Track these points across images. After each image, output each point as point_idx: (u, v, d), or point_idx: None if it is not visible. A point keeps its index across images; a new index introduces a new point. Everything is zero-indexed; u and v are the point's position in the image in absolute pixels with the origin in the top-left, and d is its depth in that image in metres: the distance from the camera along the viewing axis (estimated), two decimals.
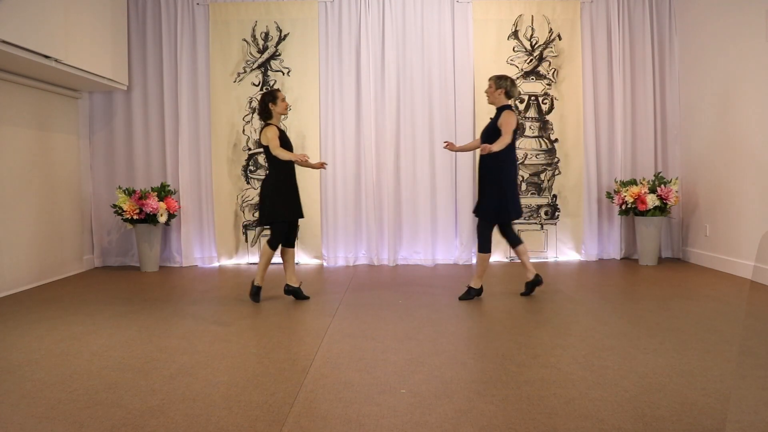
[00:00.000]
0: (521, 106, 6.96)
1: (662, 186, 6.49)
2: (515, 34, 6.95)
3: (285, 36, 6.93)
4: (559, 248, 7.02)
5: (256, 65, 6.93)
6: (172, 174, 6.93)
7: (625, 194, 6.53)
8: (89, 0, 5.88)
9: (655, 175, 6.67)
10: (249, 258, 6.99)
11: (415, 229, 6.95)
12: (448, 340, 3.76)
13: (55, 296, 5.33)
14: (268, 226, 4.90)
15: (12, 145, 5.58)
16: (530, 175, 6.99)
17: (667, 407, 2.63)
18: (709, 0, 6.28)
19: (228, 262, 7.00)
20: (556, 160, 6.98)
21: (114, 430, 2.49)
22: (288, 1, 6.91)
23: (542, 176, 6.99)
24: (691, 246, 6.78)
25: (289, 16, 6.92)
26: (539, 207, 7.01)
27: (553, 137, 6.98)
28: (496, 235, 6.80)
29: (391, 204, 6.90)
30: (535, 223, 7.01)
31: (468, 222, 6.81)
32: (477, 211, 4.89)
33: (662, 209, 6.50)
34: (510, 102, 4.92)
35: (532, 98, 6.97)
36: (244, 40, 6.92)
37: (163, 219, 6.54)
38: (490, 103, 4.96)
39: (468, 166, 6.86)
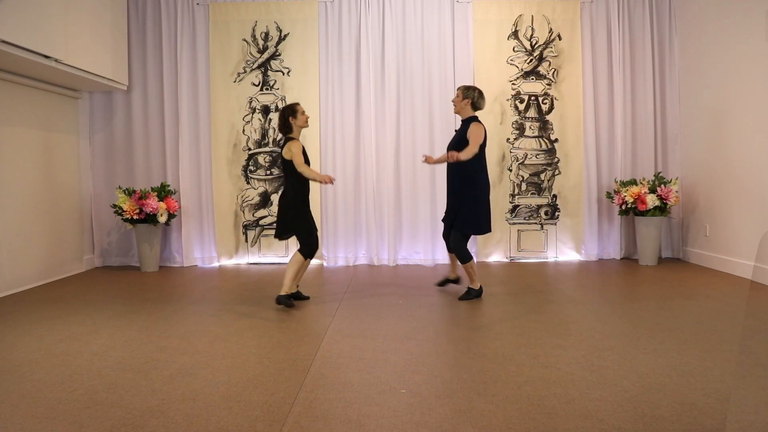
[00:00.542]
0: (521, 106, 6.97)
1: (662, 186, 6.49)
2: (515, 34, 6.95)
3: (285, 36, 6.93)
4: (559, 248, 7.02)
5: (256, 65, 6.93)
6: (172, 174, 6.93)
7: (625, 194, 6.53)
8: (89, 0, 5.88)
9: (655, 175, 6.67)
10: (249, 258, 6.99)
11: (415, 229, 6.95)
12: (448, 340, 3.76)
13: (55, 296, 5.33)
14: (279, 239, 4.87)
15: (12, 145, 5.58)
16: (530, 175, 6.99)
17: (667, 407, 2.63)
18: (709, 0, 6.28)
19: (228, 262, 7.00)
20: (556, 160, 6.98)
21: (114, 430, 2.49)
22: (288, 1, 6.91)
23: (542, 176, 6.99)
24: (691, 246, 6.78)
25: (289, 16, 6.92)
26: (539, 207, 7.01)
27: (553, 137, 6.98)
28: (497, 235, 6.82)
29: (391, 204, 6.90)
30: (535, 223, 7.01)
31: None
32: (454, 224, 4.81)
33: (662, 209, 6.50)
34: (476, 114, 4.88)
35: (532, 98, 6.97)
36: (244, 40, 6.92)
37: (163, 219, 6.54)
38: (456, 112, 4.93)
39: None
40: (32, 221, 5.84)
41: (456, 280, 5.36)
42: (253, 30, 6.93)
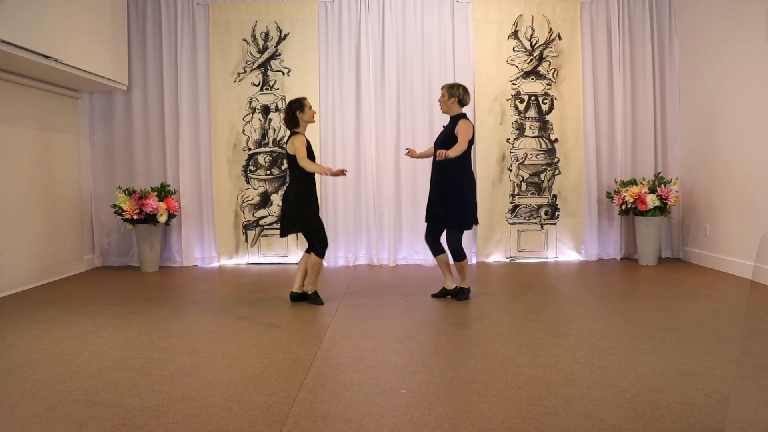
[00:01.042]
0: (521, 106, 6.97)
1: (662, 186, 6.49)
2: (515, 34, 6.95)
3: (285, 36, 6.93)
4: (559, 248, 7.02)
5: (256, 65, 6.93)
6: (172, 174, 6.93)
7: (625, 194, 6.53)
8: (89, 0, 5.88)
9: (655, 175, 6.67)
10: (249, 258, 6.99)
11: (415, 229, 6.94)
12: (448, 340, 3.76)
13: (55, 296, 5.33)
14: (282, 236, 4.85)
15: (12, 145, 5.58)
16: (530, 175, 6.99)
17: (667, 407, 2.63)
18: (709, 0, 6.28)
19: (228, 262, 7.00)
20: (556, 160, 6.98)
21: (114, 430, 2.49)
22: (288, 1, 6.91)
23: (542, 176, 6.99)
24: (691, 246, 6.78)
25: (289, 16, 6.92)
26: (539, 207, 7.01)
27: (553, 137, 6.98)
28: (497, 235, 6.82)
29: (391, 204, 6.90)
30: (535, 223, 7.01)
31: None
32: (448, 224, 4.77)
33: (662, 209, 6.50)
34: (464, 110, 4.87)
35: (532, 98, 6.97)
36: (244, 40, 6.92)
37: (163, 219, 6.54)
38: (444, 112, 4.89)
39: None
40: (32, 221, 5.84)
41: (454, 292, 4.99)
42: (253, 30, 6.93)
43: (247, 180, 6.96)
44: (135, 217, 6.45)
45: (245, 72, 6.93)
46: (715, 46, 6.17)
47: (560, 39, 6.94)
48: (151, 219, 6.51)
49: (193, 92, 6.93)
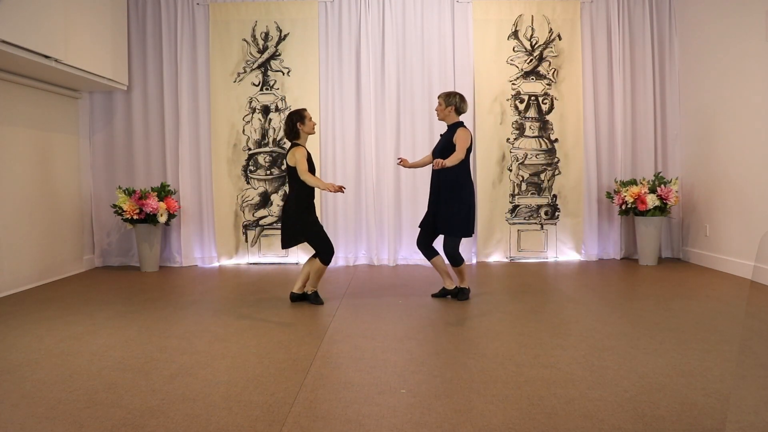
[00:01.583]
0: (521, 106, 6.97)
1: (662, 186, 6.49)
2: (515, 34, 6.95)
3: (285, 36, 6.93)
4: (559, 248, 7.02)
5: (256, 65, 6.93)
6: (172, 174, 6.93)
7: (625, 194, 6.53)
8: (89, 0, 5.88)
9: (655, 175, 6.67)
10: (249, 258, 6.99)
11: (415, 230, 6.90)
12: (448, 340, 3.76)
13: (55, 296, 5.33)
14: (284, 248, 4.87)
15: (12, 145, 5.58)
16: (530, 175, 6.99)
17: (667, 407, 2.63)
18: (709, 0, 6.28)
19: (228, 262, 7.00)
20: (556, 160, 6.98)
21: (114, 430, 2.49)
22: (288, 1, 6.91)
23: (542, 176, 6.99)
24: (691, 246, 6.78)
25: (289, 16, 6.92)
26: (539, 207, 7.01)
27: (553, 137, 6.98)
28: (497, 235, 6.80)
29: (391, 204, 6.90)
30: (535, 223, 7.01)
31: None
32: (446, 231, 4.75)
33: (662, 209, 6.50)
34: (461, 118, 4.85)
35: (532, 98, 6.97)
36: (244, 40, 6.92)
37: (163, 219, 6.54)
38: (441, 119, 4.86)
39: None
40: (32, 221, 5.84)
41: (454, 292, 5.02)
42: (253, 30, 6.93)
43: (247, 180, 6.96)
44: (135, 217, 6.46)
45: (245, 72, 6.93)
46: (715, 46, 6.17)
47: (560, 39, 6.94)
48: (151, 219, 6.51)
49: (193, 92, 6.93)
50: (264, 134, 6.96)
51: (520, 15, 6.93)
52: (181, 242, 6.93)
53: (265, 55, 6.94)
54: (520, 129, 6.98)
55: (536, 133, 6.98)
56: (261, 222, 6.98)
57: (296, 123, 4.69)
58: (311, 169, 4.66)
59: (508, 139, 6.97)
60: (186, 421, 2.56)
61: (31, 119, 5.87)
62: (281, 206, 4.87)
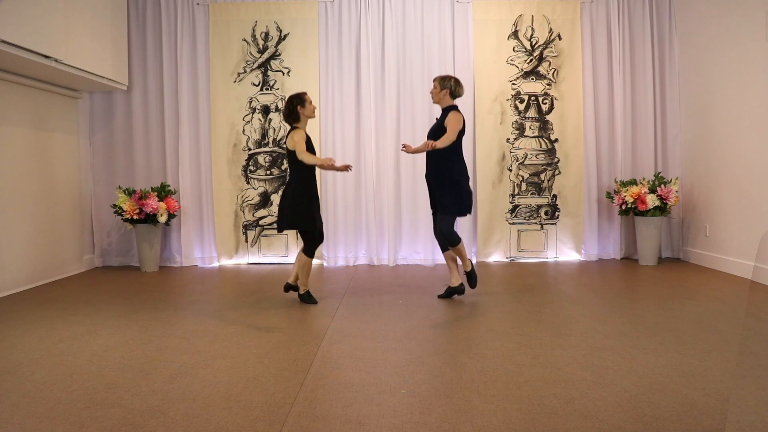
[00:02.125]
0: (521, 106, 6.97)
1: (662, 186, 6.49)
2: (515, 34, 6.95)
3: (285, 36, 6.93)
4: (559, 248, 7.02)
5: (256, 65, 6.93)
6: (172, 174, 6.93)
7: (625, 194, 6.53)
8: (89, 0, 5.88)
9: (655, 175, 6.67)
10: (249, 258, 6.99)
11: (415, 229, 6.95)
12: (448, 340, 3.76)
13: (55, 296, 5.33)
14: (279, 231, 4.86)
15: (12, 145, 5.58)
16: (530, 175, 6.99)
17: (667, 407, 2.63)
18: (709, 0, 6.28)
19: (228, 262, 7.00)
20: (556, 160, 6.98)
21: (114, 430, 2.49)
22: (288, 1, 6.91)
23: (542, 176, 6.99)
24: (691, 246, 6.78)
25: (289, 16, 6.92)
26: (539, 207, 7.01)
27: (553, 137, 6.98)
28: (497, 235, 6.76)
29: (391, 204, 6.90)
30: (535, 223, 7.01)
31: (468, 222, 6.80)
32: (438, 208, 4.81)
33: (662, 209, 6.50)
34: (455, 102, 4.88)
35: (532, 98, 6.97)
36: (244, 40, 6.92)
37: (163, 219, 6.54)
38: (435, 102, 4.90)
39: (468, 165, 6.85)
40: (32, 221, 5.84)
41: (460, 289, 4.97)
42: (253, 30, 6.93)
43: (247, 180, 6.96)
44: (135, 217, 6.45)
45: (245, 72, 6.93)
46: (715, 46, 6.17)
47: (560, 39, 6.94)
48: (151, 219, 6.51)
49: (193, 92, 6.93)
50: (264, 134, 6.96)
51: (520, 15, 6.93)
52: (181, 242, 6.93)
53: (265, 55, 6.94)
54: (520, 129, 6.98)
55: (536, 133, 6.98)
56: (261, 222, 6.98)
57: (296, 106, 4.66)
58: (311, 152, 4.63)
59: (508, 139, 6.97)
60: (186, 421, 2.56)
61: (31, 119, 5.87)
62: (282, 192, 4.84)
